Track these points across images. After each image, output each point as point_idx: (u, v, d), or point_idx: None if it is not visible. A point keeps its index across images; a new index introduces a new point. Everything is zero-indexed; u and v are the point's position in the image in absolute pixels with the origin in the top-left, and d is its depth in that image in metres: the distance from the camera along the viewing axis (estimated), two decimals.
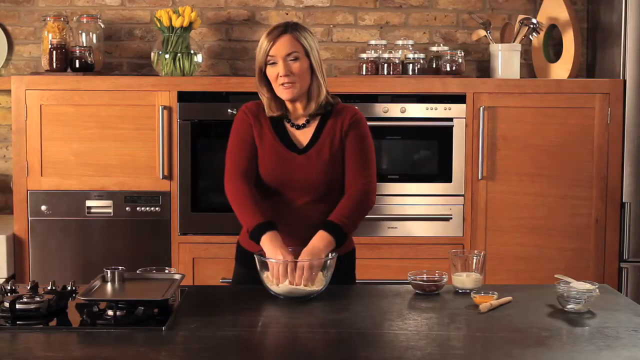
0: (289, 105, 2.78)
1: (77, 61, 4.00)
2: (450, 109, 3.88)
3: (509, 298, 2.52)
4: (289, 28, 2.71)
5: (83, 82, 3.86)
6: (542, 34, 4.18)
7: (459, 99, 3.89)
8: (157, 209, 3.88)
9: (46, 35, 4.04)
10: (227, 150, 2.81)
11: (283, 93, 2.72)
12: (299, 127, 2.79)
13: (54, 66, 3.97)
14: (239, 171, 2.75)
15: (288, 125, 2.79)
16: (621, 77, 3.91)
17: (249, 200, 2.70)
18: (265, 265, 2.56)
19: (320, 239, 2.64)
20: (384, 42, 4.11)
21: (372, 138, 2.84)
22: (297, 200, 2.75)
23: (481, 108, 3.87)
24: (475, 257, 2.65)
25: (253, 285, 2.65)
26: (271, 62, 2.70)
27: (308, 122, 2.79)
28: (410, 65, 4.04)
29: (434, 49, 4.17)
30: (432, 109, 3.88)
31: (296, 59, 2.69)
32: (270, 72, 2.72)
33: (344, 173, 2.79)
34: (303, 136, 2.78)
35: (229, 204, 2.75)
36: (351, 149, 2.77)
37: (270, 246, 2.59)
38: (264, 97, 2.78)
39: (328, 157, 2.75)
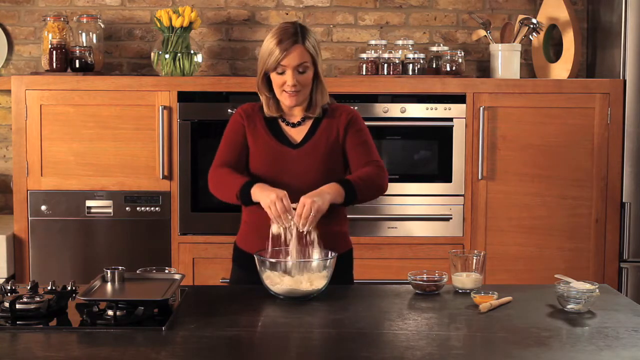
0: (285, 107, 2.80)
1: (77, 61, 4.00)
2: (450, 109, 3.88)
3: (509, 298, 2.52)
4: (300, 37, 2.69)
5: (83, 82, 3.86)
6: (542, 34, 4.18)
7: (459, 99, 3.89)
8: (157, 209, 3.88)
9: (46, 35, 4.04)
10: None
11: (287, 100, 2.73)
12: (294, 125, 2.80)
13: (54, 66, 3.97)
14: (223, 164, 2.77)
15: (283, 124, 2.80)
16: (621, 77, 3.91)
17: (230, 173, 2.72)
18: (265, 265, 2.56)
19: (329, 186, 2.64)
20: (384, 42, 4.11)
21: (372, 138, 2.84)
22: (293, 197, 2.72)
23: (481, 108, 3.87)
24: (475, 257, 2.65)
25: (252, 286, 2.65)
26: (280, 71, 2.70)
27: (303, 120, 2.80)
28: (410, 65, 4.04)
29: (434, 49, 4.17)
30: (432, 109, 3.89)
31: (305, 70, 2.70)
32: (277, 79, 2.71)
33: (345, 169, 2.80)
34: (298, 134, 2.79)
35: (222, 201, 2.77)
36: (353, 142, 2.78)
37: (262, 192, 2.59)
38: (264, 97, 2.79)
39: (324, 152, 2.75)
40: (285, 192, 2.57)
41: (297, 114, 2.80)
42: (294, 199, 2.69)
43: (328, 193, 2.61)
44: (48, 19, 4.07)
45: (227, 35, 4.38)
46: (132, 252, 3.86)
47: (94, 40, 4.13)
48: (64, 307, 2.39)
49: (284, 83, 2.70)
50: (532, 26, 4.05)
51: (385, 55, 4.01)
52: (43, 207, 3.86)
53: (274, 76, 2.72)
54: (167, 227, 3.88)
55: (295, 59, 2.68)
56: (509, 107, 3.89)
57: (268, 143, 2.77)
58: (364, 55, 4.05)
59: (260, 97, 2.80)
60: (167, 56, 3.99)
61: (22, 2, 4.34)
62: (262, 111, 2.81)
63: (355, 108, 2.88)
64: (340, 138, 2.78)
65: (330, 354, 2.13)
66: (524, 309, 2.46)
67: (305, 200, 2.56)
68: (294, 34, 2.69)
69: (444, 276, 2.65)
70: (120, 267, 2.56)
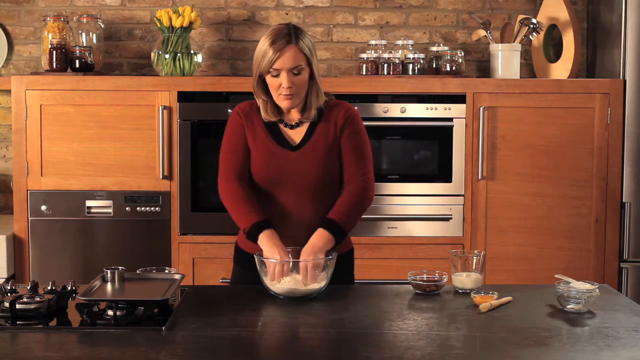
0: (284, 109, 2.79)
1: (77, 61, 4.00)
2: (450, 109, 3.88)
3: (509, 298, 2.52)
4: (293, 37, 2.67)
5: (83, 82, 3.86)
6: (542, 34, 4.18)
7: (459, 99, 3.89)
8: (157, 209, 3.88)
9: (46, 35, 4.05)
10: (220, 151, 2.81)
11: (283, 103, 2.72)
12: (292, 127, 2.78)
13: (54, 66, 3.97)
14: (233, 172, 2.75)
15: (281, 126, 2.79)
16: (621, 77, 3.91)
17: (244, 199, 2.70)
18: (265, 265, 2.56)
19: (319, 237, 2.63)
20: (384, 42, 4.11)
21: (372, 138, 2.84)
22: (293, 199, 2.73)
23: (481, 108, 3.87)
24: (475, 257, 2.65)
25: (252, 286, 2.65)
26: (275, 74, 2.68)
27: (301, 121, 2.79)
28: (410, 65, 4.04)
29: (434, 49, 4.17)
30: (432, 109, 3.89)
31: (300, 71, 2.68)
32: (272, 81, 2.69)
33: (341, 171, 2.79)
34: (296, 135, 2.78)
35: (222, 201, 2.76)
36: (347, 145, 2.76)
37: (268, 245, 2.60)
38: (260, 101, 2.77)
39: (322, 153, 2.74)
40: (289, 256, 2.58)
41: (294, 117, 2.79)
42: (294, 200, 2.72)
43: (321, 248, 2.61)
44: (48, 19, 4.07)
45: (227, 35, 4.38)
46: (132, 252, 3.86)
47: (94, 40, 4.13)
48: (64, 307, 2.39)
49: (279, 85, 2.68)
50: (532, 26, 4.05)
51: (385, 55, 4.01)
52: (43, 207, 3.86)
53: (269, 79, 2.70)
54: (167, 227, 3.88)
55: (289, 60, 2.65)
56: (509, 107, 3.89)
57: (267, 145, 2.76)
58: (364, 55, 4.05)
59: (257, 100, 2.78)
60: (167, 56, 3.99)
61: (22, 2, 4.34)
62: (259, 111, 2.80)
63: (356, 108, 2.86)
64: (338, 135, 2.77)
65: (330, 354, 2.13)
66: (524, 309, 2.46)
67: (305, 264, 2.56)
68: (287, 35, 2.67)
69: (444, 276, 2.65)
70: (120, 267, 2.56)
